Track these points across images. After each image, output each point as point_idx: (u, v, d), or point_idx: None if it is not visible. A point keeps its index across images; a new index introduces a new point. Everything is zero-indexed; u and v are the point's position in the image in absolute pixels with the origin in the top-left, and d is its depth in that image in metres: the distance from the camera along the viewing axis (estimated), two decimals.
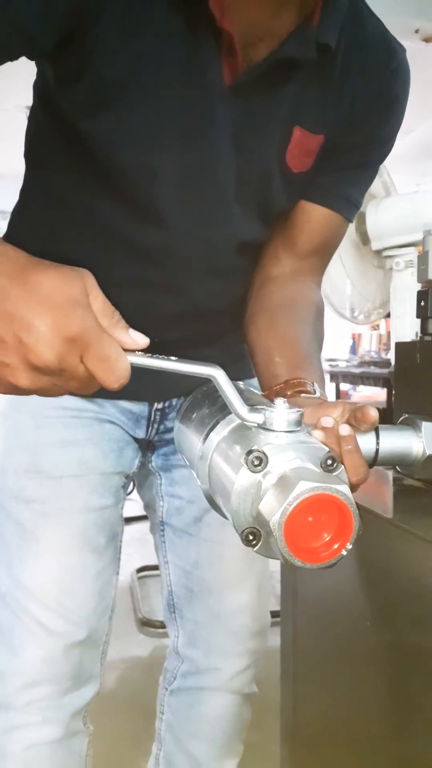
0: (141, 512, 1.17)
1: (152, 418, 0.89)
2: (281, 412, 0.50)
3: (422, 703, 0.64)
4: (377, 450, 0.66)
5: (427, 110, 3.80)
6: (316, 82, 0.74)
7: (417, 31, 2.86)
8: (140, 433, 0.90)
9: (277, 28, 0.69)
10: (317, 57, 0.70)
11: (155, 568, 2.52)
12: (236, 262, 0.82)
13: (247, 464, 0.47)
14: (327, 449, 0.49)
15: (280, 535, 0.45)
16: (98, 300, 0.47)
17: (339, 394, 3.53)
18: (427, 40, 2.93)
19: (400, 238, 2.23)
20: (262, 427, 0.50)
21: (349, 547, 0.46)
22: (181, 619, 0.98)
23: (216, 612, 0.94)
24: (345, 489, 0.45)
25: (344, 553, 0.47)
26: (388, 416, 1.35)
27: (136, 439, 0.91)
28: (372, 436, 0.66)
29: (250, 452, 0.47)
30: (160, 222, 0.76)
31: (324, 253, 0.88)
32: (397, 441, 0.66)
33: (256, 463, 0.47)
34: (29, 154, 0.83)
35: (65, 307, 0.44)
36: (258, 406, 0.52)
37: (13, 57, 0.65)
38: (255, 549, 0.49)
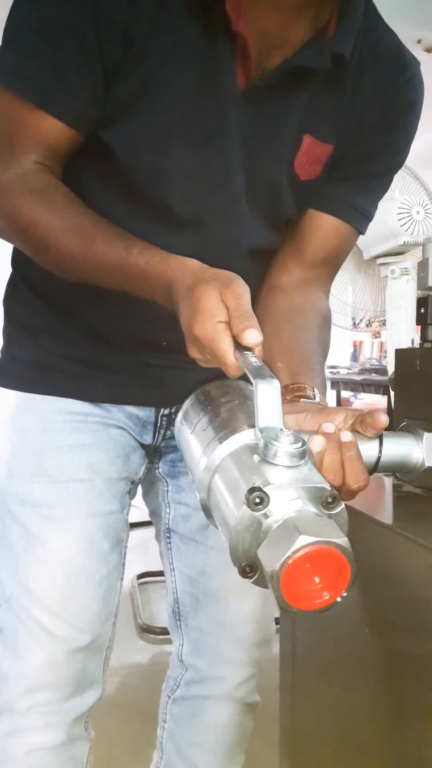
0: (142, 518, 1.17)
1: (159, 424, 0.90)
2: (285, 446, 0.50)
3: (422, 712, 0.64)
4: (379, 458, 0.66)
5: (428, 121, 3.82)
6: (328, 91, 0.75)
7: (419, 42, 2.88)
8: (147, 439, 0.90)
9: (292, 37, 0.70)
10: (331, 67, 0.71)
11: (156, 574, 2.53)
12: (246, 268, 0.83)
13: (248, 502, 0.47)
14: (328, 489, 0.49)
15: (277, 586, 0.45)
16: (231, 302, 0.58)
17: (340, 401, 3.53)
18: (429, 50, 2.95)
19: (377, 248, 2.24)
20: (265, 459, 0.50)
21: (344, 595, 0.47)
22: (186, 627, 0.98)
23: (221, 620, 0.94)
24: (344, 542, 0.45)
25: (339, 600, 0.47)
26: (393, 424, 1.36)
27: (143, 446, 0.91)
28: (375, 443, 0.66)
29: (252, 490, 0.47)
30: (173, 223, 0.77)
31: (332, 262, 0.88)
32: (397, 448, 0.67)
33: (257, 501, 0.47)
34: None
35: (197, 317, 0.59)
36: (268, 428, 0.52)
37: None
38: (252, 581, 0.49)
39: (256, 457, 0.51)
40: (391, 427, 0.72)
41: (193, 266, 0.64)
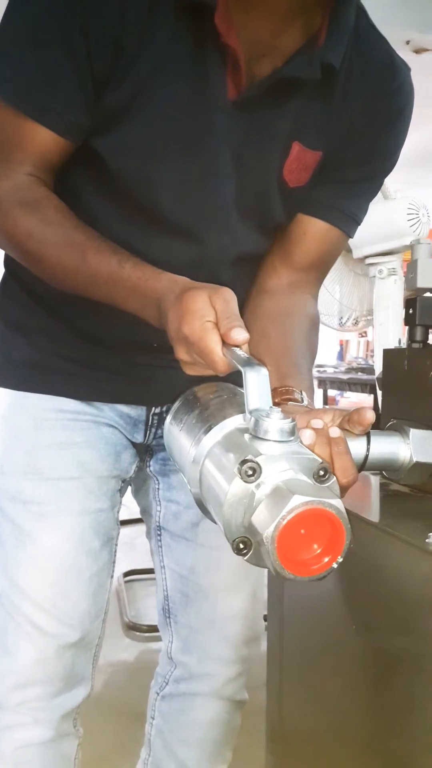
0: (129, 516, 1.17)
1: (150, 423, 0.90)
2: (275, 422, 0.50)
3: (409, 707, 0.65)
4: (367, 455, 0.67)
5: (417, 120, 3.84)
6: (318, 98, 0.75)
7: (408, 43, 2.89)
8: (138, 437, 0.90)
9: (281, 45, 0.70)
10: (321, 77, 0.71)
11: (142, 572, 2.53)
12: (235, 272, 0.83)
13: (240, 474, 0.47)
14: (320, 460, 0.49)
15: (273, 549, 0.45)
16: (219, 305, 0.60)
17: (327, 399, 3.55)
18: (417, 51, 2.96)
19: (375, 247, 2.25)
20: (256, 435, 0.51)
21: (340, 560, 0.47)
22: (175, 624, 0.98)
23: (211, 618, 0.94)
24: (338, 503, 0.46)
25: (335, 566, 0.47)
26: (375, 421, 1.36)
27: (134, 444, 0.91)
28: (363, 441, 0.67)
29: (243, 462, 0.47)
30: (164, 229, 0.77)
31: (321, 266, 0.89)
32: (385, 446, 0.68)
33: (250, 473, 0.47)
34: None
35: (185, 317, 0.60)
36: (258, 409, 0.53)
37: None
38: (246, 558, 0.49)
39: (246, 436, 0.52)
40: (378, 427, 0.73)
41: (184, 280, 0.65)
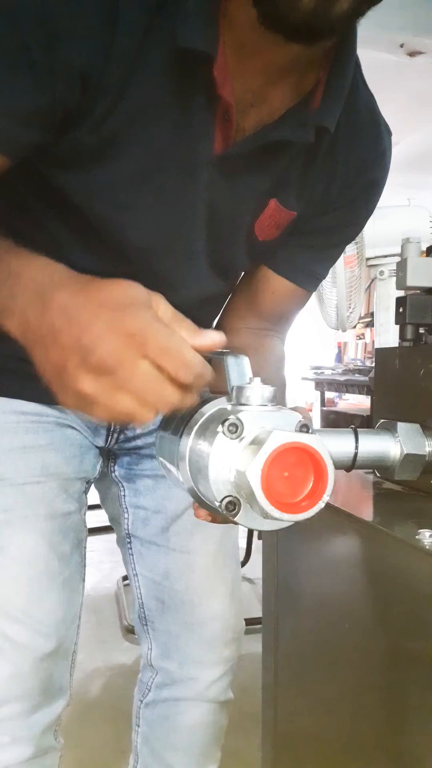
0: None
1: (112, 428, 0.88)
2: (256, 388, 0.52)
3: (404, 707, 0.65)
4: (356, 453, 0.67)
5: (412, 123, 3.86)
6: (302, 159, 0.73)
7: (402, 46, 2.90)
8: (100, 442, 0.88)
9: (270, 98, 0.67)
10: (314, 141, 0.68)
11: None
12: (198, 315, 0.83)
13: (223, 431, 0.48)
14: (300, 416, 0.50)
15: (258, 487, 0.45)
16: (162, 304, 0.48)
17: (324, 401, 3.55)
18: (411, 54, 2.97)
19: (392, 249, 2.26)
20: (239, 403, 0.52)
21: (326, 498, 0.47)
22: (153, 631, 0.97)
23: (189, 622, 0.93)
24: (318, 441, 0.46)
25: (322, 504, 0.47)
26: (372, 423, 1.37)
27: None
28: (351, 439, 0.67)
29: (225, 421, 0.48)
30: (129, 269, 0.72)
31: (286, 318, 0.90)
32: (374, 444, 0.68)
33: (233, 429, 0.48)
34: None
35: (124, 306, 0.46)
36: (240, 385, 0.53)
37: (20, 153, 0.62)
38: (235, 518, 0.49)
39: (228, 406, 0.53)
40: (371, 427, 0.73)
41: (82, 275, 0.52)
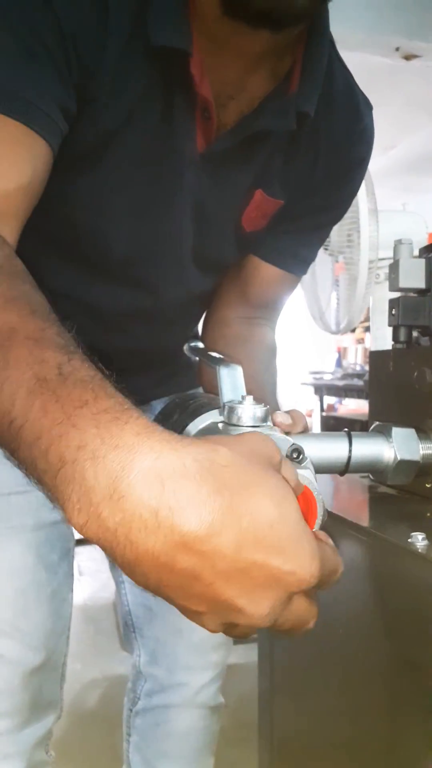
0: None
1: None
2: (248, 408, 0.50)
3: (401, 712, 0.64)
4: (350, 457, 0.66)
5: (408, 127, 3.87)
6: (284, 145, 0.72)
7: (397, 49, 2.90)
8: None
9: (249, 87, 0.66)
10: (296, 127, 0.67)
11: None
12: (186, 312, 0.82)
13: None
14: (292, 441, 0.49)
15: None
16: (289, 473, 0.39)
17: (323, 407, 3.54)
18: (407, 57, 2.98)
19: (387, 252, 2.26)
20: (230, 423, 0.51)
21: (315, 531, 0.46)
22: (141, 638, 0.96)
23: (177, 627, 0.92)
24: (309, 474, 0.45)
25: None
26: (368, 427, 1.37)
27: None
28: (345, 443, 0.66)
29: None
30: (110, 278, 0.74)
31: (276, 305, 0.89)
32: (368, 447, 0.67)
33: None
34: None
35: (302, 542, 0.36)
36: (232, 400, 0.52)
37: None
38: None
39: (220, 425, 0.52)
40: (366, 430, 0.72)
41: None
